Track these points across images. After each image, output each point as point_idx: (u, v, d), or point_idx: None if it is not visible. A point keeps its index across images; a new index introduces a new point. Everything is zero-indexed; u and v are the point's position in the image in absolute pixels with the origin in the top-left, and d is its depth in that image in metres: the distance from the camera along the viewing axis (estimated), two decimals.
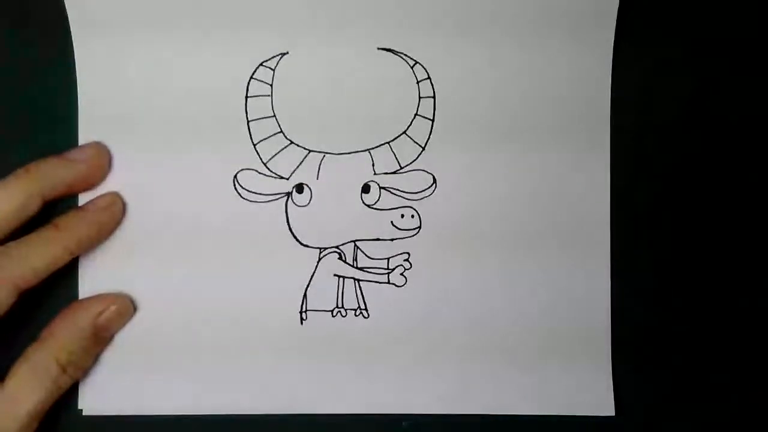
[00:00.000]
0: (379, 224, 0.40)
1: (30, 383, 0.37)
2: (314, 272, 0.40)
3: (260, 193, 0.40)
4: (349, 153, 0.40)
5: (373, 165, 0.40)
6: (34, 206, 0.37)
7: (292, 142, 0.40)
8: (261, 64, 0.40)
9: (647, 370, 0.41)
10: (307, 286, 0.40)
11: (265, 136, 0.40)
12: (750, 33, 0.41)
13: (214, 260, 0.40)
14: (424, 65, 0.40)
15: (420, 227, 0.40)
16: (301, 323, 0.40)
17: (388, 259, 0.40)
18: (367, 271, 0.40)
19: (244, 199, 0.40)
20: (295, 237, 0.40)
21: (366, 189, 0.40)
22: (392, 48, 0.40)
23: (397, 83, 0.40)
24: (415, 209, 0.40)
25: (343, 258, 0.40)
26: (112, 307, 0.39)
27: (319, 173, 0.40)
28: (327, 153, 0.40)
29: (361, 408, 0.40)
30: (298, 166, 0.40)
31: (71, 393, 0.39)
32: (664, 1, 0.41)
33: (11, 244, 0.37)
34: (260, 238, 0.40)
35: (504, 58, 0.40)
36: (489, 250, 0.40)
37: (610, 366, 0.40)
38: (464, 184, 0.40)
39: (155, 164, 0.40)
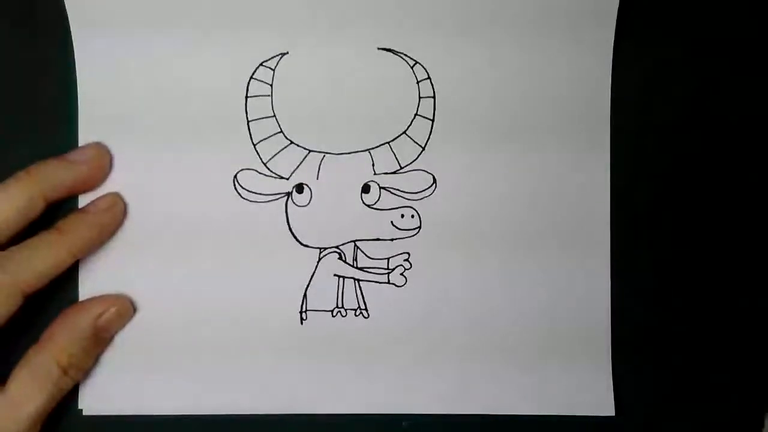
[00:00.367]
0: (379, 224, 0.40)
1: (31, 386, 0.37)
2: (314, 272, 0.40)
3: (260, 193, 0.40)
4: (349, 153, 0.40)
5: (373, 165, 0.40)
6: (36, 209, 0.37)
7: (292, 142, 0.40)
8: (261, 64, 0.40)
9: (647, 370, 0.41)
10: (307, 286, 0.40)
11: (265, 136, 0.40)
12: (750, 33, 0.41)
13: (214, 260, 0.40)
14: (424, 65, 0.40)
15: (420, 227, 0.40)
16: (301, 323, 0.40)
17: (388, 259, 0.40)
18: (367, 271, 0.40)
19: (244, 199, 0.40)
20: (295, 237, 0.40)
21: (366, 189, 0.40)
22: (392, 48, 0.40)
23: (397, 83, 0.40)
24: (415, 209, 0.40)
25: (343, 258, 0.40)
26: (112, 309, 0.39)
27: (319, 173, 0.40)
28: (327, 153, 0.40)
29: (361, 408, 0.40)
30: (298, 166, 0.40)
31: (71, 393, 0.39)
32: (664, 1, 0.41)
33: (14, 248, 0.37)
34: (260, 238, 0.40)
35: (504, 58, 0.40)
36: (489, 250, 0.40)
37: (610, 366, 0.40)
38: (464, 184, 0.40)
39: (155, 164, 0.40)
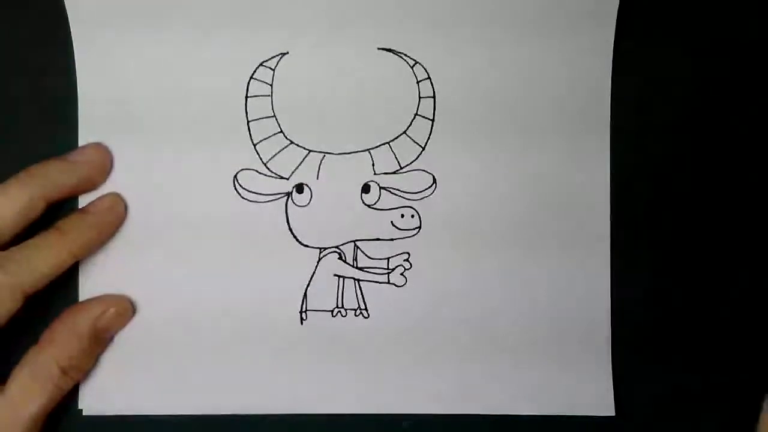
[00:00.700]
0: (379, 224, 0.40)
1: (31, 387, 0.37)
2: (314, 272, 0.40)
3: (260, 193, 0.40)
4: (349, 153, 0.40)
5: (373, 165, 0.40)
6: (37, 209, 0.37)
7: (292, 142, 0.40)
8: (261, 64, 0.40)
9: (647, 370, 0.41)
10: (307, 286, 0.40)
11: (265, 136, 0.40)
12: (750, 33, 0.41)
13: (214, 260, 0.40)
14: (424, 65, 0.40)
15: (420, 227, 0.40)
16: (301, 323, 0.40)
17: (388, 259, 0.40)
18: (367, 271, 0.40)
19: (244, 199, 0.40)
20: (295, 237, 0.40)
21: (366, 189, 0.40)
22: (392, 48, 0.40)
23: (397, 83, 0.40)
24: (415, 209, 0.40)
25: (343, 258, 0.40)
26: (112, 309, 0.39)
27: (319, 173, 0.40)
28: (327, 153, 0.40)
29: (361, 408, 0.40)
30: (298, 166, 0.40)
31: (71, 393, 0.39)
32: (664, 1, 0.41)
33: (15, 248, 0.37)
34: (260, 238, 0.40)
35: (504, 58, 0.40)
36: (489, 250, 0.40)
37: (610, 366, 0.40)
38: (464, 184, 0.40)
39: (155, 164, 0.40)
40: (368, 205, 0.40)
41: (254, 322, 0.40)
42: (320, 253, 0.40)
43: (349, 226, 0.40)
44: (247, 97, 0.40)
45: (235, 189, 0.40)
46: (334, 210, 0.40)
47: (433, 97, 0.40)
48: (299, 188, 0.40)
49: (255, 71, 0.40)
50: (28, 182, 0.37)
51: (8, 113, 0.40)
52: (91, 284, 0.40)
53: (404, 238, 0.40)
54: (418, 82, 0.40)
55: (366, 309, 0.40)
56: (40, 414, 0.37)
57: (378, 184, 0.40)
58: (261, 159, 0.40)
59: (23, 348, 0.38)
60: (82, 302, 0.39)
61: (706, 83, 0.41)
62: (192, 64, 0.40)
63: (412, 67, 0.40)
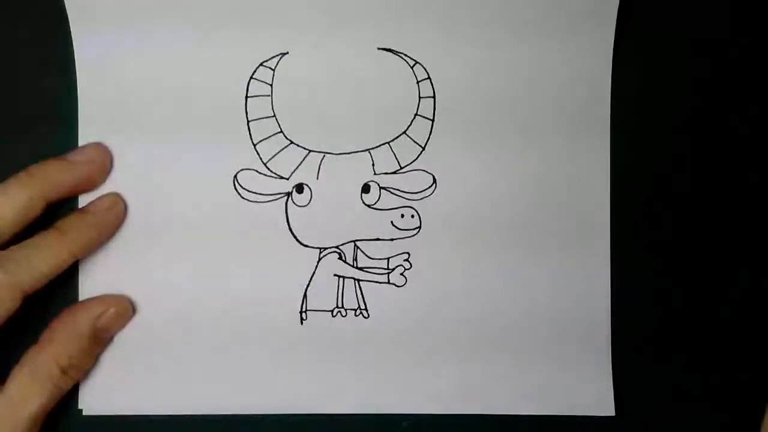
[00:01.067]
0: (379, 224, 0.40)
1: (31, 387, 0.37)
2: (314, 272, 0.40)
3: (260, 193, 0.40)
4: (349, 153, 0.40)
5: (373, 165, 0.40)
6: (37, 209, 0.37)
7: (292, 142, 0.40)
8: (261, 64, 0.40)
9: (647, 370, 0.41)
10: (307, 286, 0.40)
11: (265, 136, 0.40)
12: (750, 33, 0.41)
13: (214, 260, 0.40)
14: (424, 65, 0.40)
15: (420, 227, 0.40)
16: (301, 323, 0.40)
17: (388, 259, 0.40)
18: (367, 271, 0.40)
19: (244, 199, 0.40)
20: (295, 237, 0.40)
21: (366, 189, 0.40)
22: (392, 48, 0.40)
23: (397, 83, 0.40)
24: (415, 209, 0.40)
25: (343, 258, 0.40)
26: (111, 309, 0.39)
27: (319, 173, 0.40)
28: (327, 153, 0.40)
29: (361, 408, 0.40)
30: (298, 166, 0.40)
31: (71, 393, 0.39)
32: (664, 1, 0.41)
33: (14, 247, 0.37)
34: (260, 238, 0.40)
35: (504, 58, 0.40)
36: (489, 250, 0.40)
37: (610, 366, 0.40)
38: (464, 184, 0.40)
39: (155, 164, 0.40)
40: (368, 205, 0.40)
41: (254, 322, 0.40)
42: (320, 253, 0.40)
43: (349, 226, 0.40)
44: (247, 97, 0.40)
45: (235, 189, 0.40)
46: (334, 210, 0.40)
47: (433, 97, 0.40)
48: (299, 188, 0.40)
49: (255, 71, 0.40)
50: (27, 182, 0.37)
51: (8, 113, 0.40)
52: (90, 284, 0.40)
53: (404, 238, 0.40)
54: (418, 82, 0.40)
55: (366, 309, 0.40)
56: (40, 414, 0.37)
57: (378, 184, 0.40)
58: (261, 159, 0.40)
59: (23, 348, 0.38)
60: (82, 302, 0.39)
61: (706, 83, 0.41)
62: (192, 64, 0.40)
63: (412, 67, 0.40)
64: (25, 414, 0.37)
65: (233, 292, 0.40)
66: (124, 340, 0.40)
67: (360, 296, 0.40)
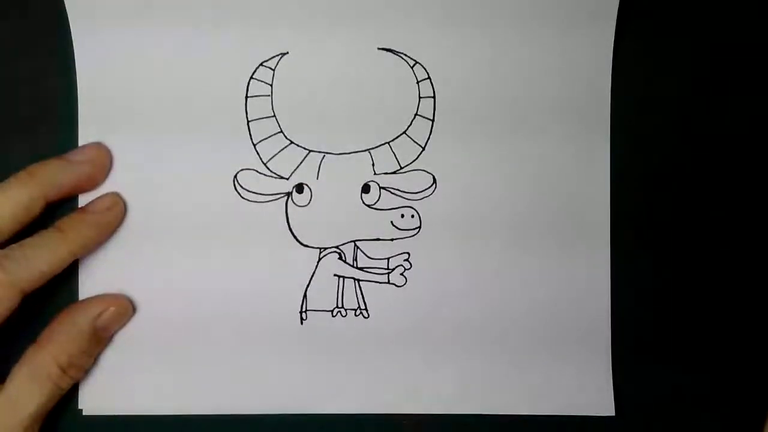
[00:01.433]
0: (379, 224, 0.40)
1: (30, 386, 0.37)
2: (314, 272, 0.40)
3: (260, 193, 0.40)
4: (349, 153, 0.40)
5: (373, 165, 0.40)
6: (36, 208, 0.37)
7: (292, 142, 0.40)
8: (261, 64, 0.40)
9: (647, 370, 0.41)
10: (307, 286, 0.40)
11: (265, 136, 0.40)
12: (750, 33, 0.41)
13: (214, 260, 0.40)
14: (424, 65, 0.40)
15: (420, 227, 0.40)
16: (301, 323, 0.40)
17: (388, 259, 0.40)
18: (367, 271, 0.40)
19: (244, 199, 0.40)
20: (295, 237, 0.40)
21: (366, 189, 0.40)
22: (392, 48, 0.40)
23: (397, 83, 0.40)
24: (415, 209, 0.40)
25: (343, 258, 0.40)
26: (111, 309, 0.39)
27: (319, 173, 0.40)
28: (327, 153, 0.40)
29: (361, 408, 0.40)
30: (298, 166, 0.40)
31: (71, 393, 0.39)
32: (664, 0, 0.41)
33: (14, 246, 0.37)
34: (260, 238, 0.40)
35: (504, 58, 0.40)
36: (489, 250, 0.40)
37: (610, 366, 0.40)
38: (464, 184, 0.40)
39: (155, 164, 0.40)
40: (368, 205, 0.40)
41: (254, 322, 0.40)
42: (320, 253, 0.40)
43: (349, 226, 0.40)
44: (247, 97, 0.40)
45: (235, 189, 0.40)
46: (334, 210, 0.40)
47: (433, 97, 0.40)
48: (299, 188, 0.40)
49: (255, 71, 0.40)
50: (27, 182, 0.37)
51: (8, 113, 0.40)
52: (90, 283, 0.40)
53: (404, 238, 0.40)
54: (418, 82, 0.40)
55: (366, 309, 0.40)
56: (40, 413, 0.37)
57: (378, 184, 0.40)
58: (261, 159, 0.40)
59: (22, 347, 0.38)
60: (82, 301, 0.39)
61: (706, 83, 0.41)
62: (192, 64, 0.40)
63: (412, 67, 0.40)
64: (25, 413, 0.37)
65: (233, 291, 0.40)
66: (124, 339, 0.40)
67: (360, 296, 0.40)
